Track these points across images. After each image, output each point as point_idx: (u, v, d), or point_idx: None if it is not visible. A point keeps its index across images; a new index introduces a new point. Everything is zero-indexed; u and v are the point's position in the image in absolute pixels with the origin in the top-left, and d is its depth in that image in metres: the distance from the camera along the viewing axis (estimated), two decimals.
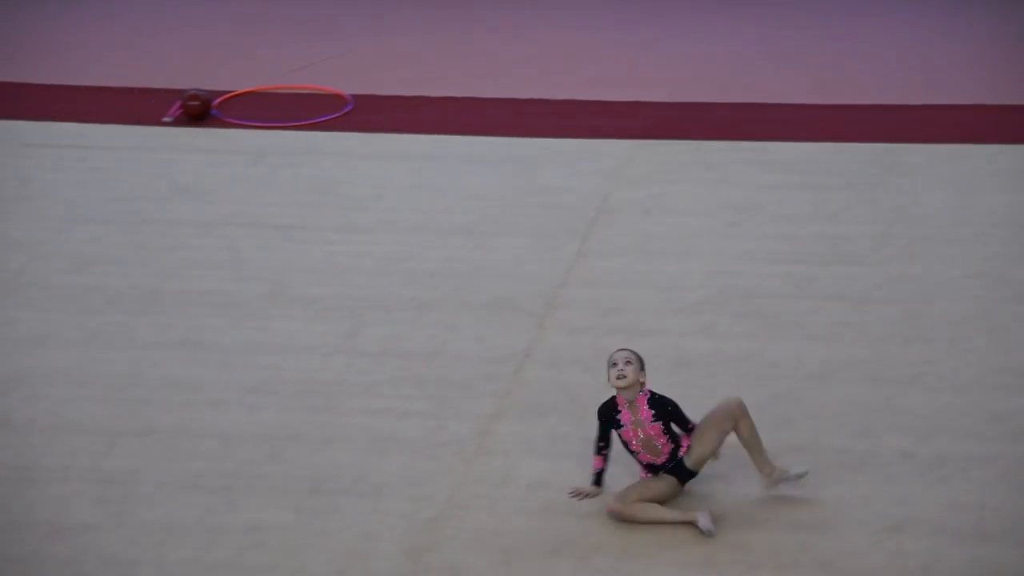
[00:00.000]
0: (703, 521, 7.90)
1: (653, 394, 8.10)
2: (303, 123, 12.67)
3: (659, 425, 8.06)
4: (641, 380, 8.07)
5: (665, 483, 8.11)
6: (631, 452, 8.14)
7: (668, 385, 9.11)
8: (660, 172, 11.73)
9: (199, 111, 12.73)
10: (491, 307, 10.02)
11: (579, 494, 8.10)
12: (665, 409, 8.06)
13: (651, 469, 8.15)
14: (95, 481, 8.41)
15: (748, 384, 9.10)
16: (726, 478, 8.28)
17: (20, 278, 10.44)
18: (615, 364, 8.05)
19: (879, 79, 13.37)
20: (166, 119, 12.74)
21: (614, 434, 8.12)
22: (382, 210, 11.30)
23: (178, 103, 12.82)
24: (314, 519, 8.09)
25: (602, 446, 8.15)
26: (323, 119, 12.73)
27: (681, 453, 8.11)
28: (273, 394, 9.13)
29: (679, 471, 8.13)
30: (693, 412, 8.20)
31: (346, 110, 12.87)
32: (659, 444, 8.09)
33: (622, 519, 7.98)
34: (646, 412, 8.06)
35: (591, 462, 8.15)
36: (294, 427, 8.81)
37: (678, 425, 8.12)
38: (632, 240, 10.79)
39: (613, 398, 8.11)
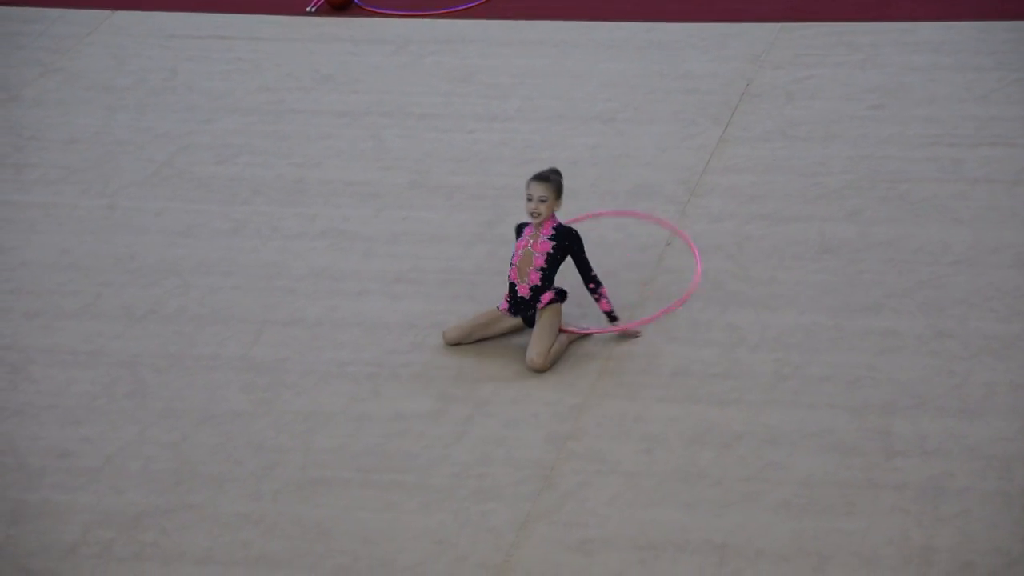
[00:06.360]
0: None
1: (560, 225, 8.43)
2: (445, 11, 12.64)
3: (549, 250, 8.35)
4: (555, 208, 8.40)
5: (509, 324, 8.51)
6: (510, 264, 8.46)
7: (812, 271, 9.05)
8: (804, 55, 11.56)
9: (342, 1, 12.75)
10: (633, 195, 9.98)
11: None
12: (563, 243, 8.37)
13: (510, 298, 8.47)
14: (243, 369, 8.55)
15: (893, 270, 9.00)
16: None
17: (167, 169, 10.58)
18: (530, 199, 8.37)
19: None
20: (309, 9, 12.79)
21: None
22: (523, 98, 11.27)
23: None
24: (458, 407, 8.16)
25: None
26: (465, 7, 12.69)
27: (540, 305, 8.42)
28: (416, 283, 9.19)
29: (524, 311, 8.47)
30: (834, 299, 8.07)
31: None
32: (534, 266, 8.40)
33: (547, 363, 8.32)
34: (547, 233, 8.38)
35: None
36: (437, 316, 8.87)
37: (576, 263, 8.39)
38: (775, 125, 10.67)
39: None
